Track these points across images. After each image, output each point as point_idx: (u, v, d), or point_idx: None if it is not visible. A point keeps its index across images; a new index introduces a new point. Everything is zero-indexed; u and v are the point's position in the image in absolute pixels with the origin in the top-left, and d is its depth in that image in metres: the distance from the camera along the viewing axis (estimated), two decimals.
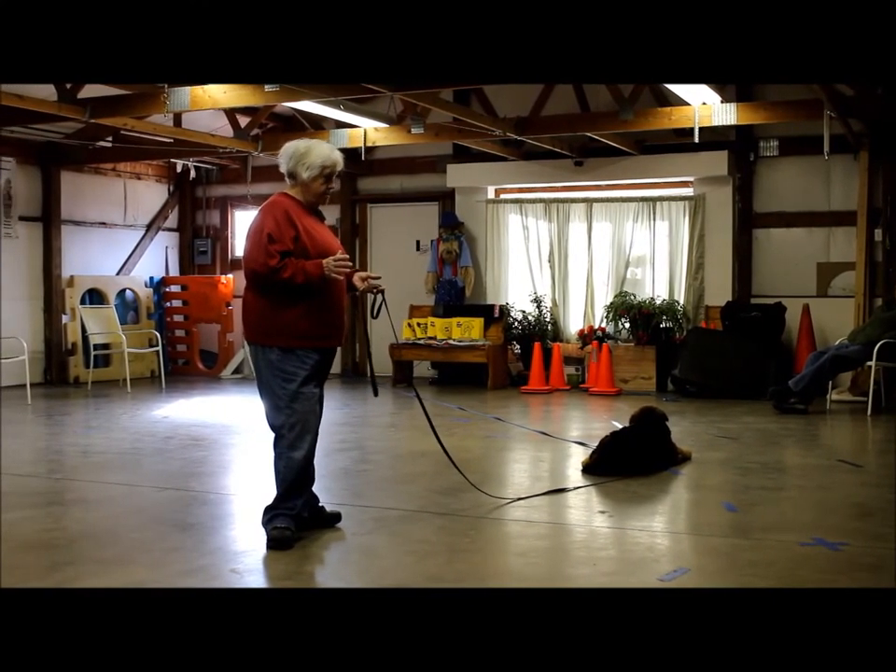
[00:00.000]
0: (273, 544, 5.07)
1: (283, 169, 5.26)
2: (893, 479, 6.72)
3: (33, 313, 13.63)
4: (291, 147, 5.25)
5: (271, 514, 5.20)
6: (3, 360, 11.80)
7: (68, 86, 10.11)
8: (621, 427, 7.75)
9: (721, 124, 10.70)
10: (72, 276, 13.97)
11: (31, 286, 13.60)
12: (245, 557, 4.97)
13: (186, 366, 15.43)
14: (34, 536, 5.39)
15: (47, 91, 10.17)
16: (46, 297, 13.73)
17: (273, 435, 5.29)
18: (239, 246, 16.16)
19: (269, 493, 5.40)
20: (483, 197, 14.21)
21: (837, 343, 10.78)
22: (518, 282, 14.10)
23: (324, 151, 5.25)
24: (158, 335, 14.29)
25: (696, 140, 10.75)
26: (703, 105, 10.54)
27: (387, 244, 14.99)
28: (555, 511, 6.02)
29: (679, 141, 12.36)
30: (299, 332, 5.14)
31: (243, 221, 16.16)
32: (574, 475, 7.06)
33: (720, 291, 12.89)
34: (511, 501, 6.15)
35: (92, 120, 10.57)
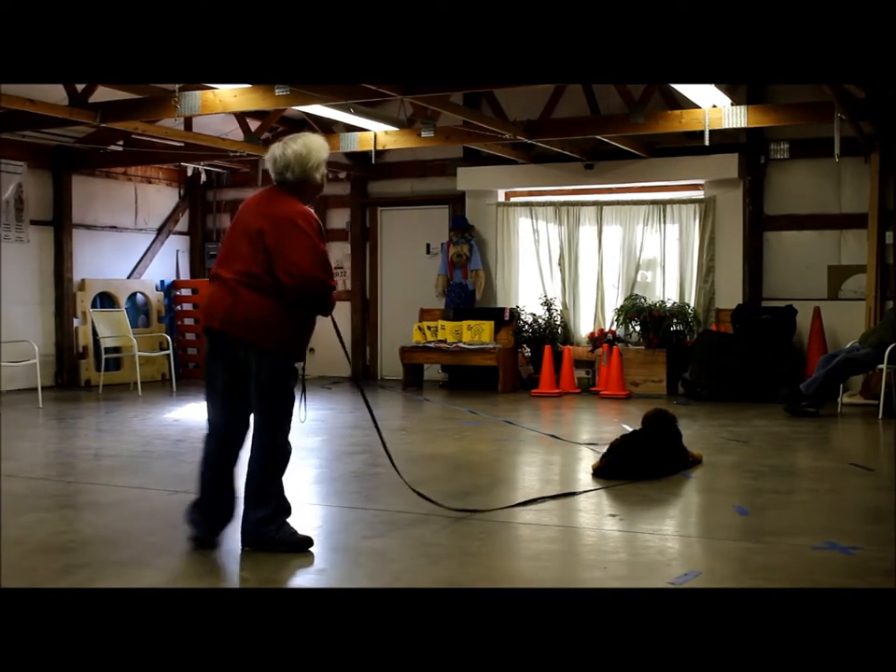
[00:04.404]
0: (299, 546, 5.12)
1: (290, 177, 5.06)
2: None
3: (44, 316, 13.66)
4: (288, 155, 5.06)
5: (279, 522, 5.17)
6: (14, 364, 11.83)
7: (79, 90, 10.14)
8: (631, 429, 7.74)
9: (731, 127, 10.68)
10: (83, 280, 14.01)
11: (42, 289, 13.64)
12: (255, 561, 4.97)
13: (196, 369, 15.44)
14: (47, 539, 5.41)
15: (58, 96, 10.19)
16: (57, 300, 13.76)
17: (261, 445, 5.17)
18: None
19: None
20: (493, 200, 14.22)
21: (848, 345, 10.76)
22: (528, 285, 14.11)
23: (320, 144, 5.16)
24: (168, 338, 14.31)
25: (707, 143, 10.73)
26: (713, 107, 10.52)
27: (398, 247, 15.00)
28: (566, 515, 6.01)
29: (690, 144, 12.35)
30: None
31: None
32: (584, 478, 7.06)
33: (730, 294, 12.88)
34: (469, 512, 6.15)
35: (104, 125, 10.58)
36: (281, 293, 4.90)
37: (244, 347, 4.97)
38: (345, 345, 6.02)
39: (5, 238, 13.00)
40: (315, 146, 5.13)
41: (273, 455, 5.16)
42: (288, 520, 5.20)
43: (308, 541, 5.16)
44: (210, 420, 5.21)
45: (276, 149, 5.13)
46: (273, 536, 5.13)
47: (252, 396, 5.09)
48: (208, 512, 5.16)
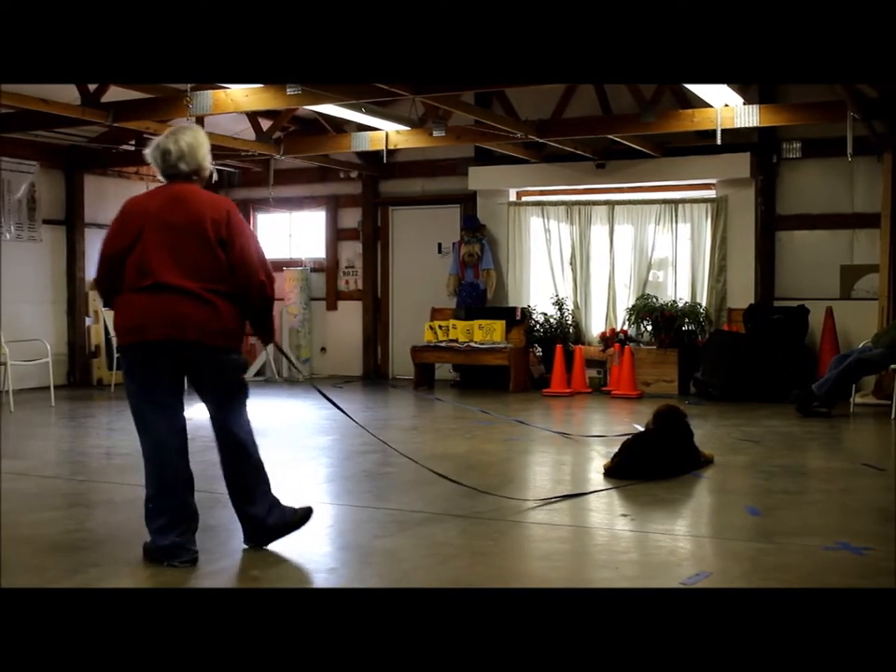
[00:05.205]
0: (302, 520, 5.22)
1: (184, 168, 5.03)
2: None
3: (56, 315, 13.71)
4: (182, 147, 5.02)
5: (276, 511, 5.18)
6: (27, 363, 11.86)
7: (92, 90, 10.17)
8: (642, 429, 7.73)
9: (743, 126, 10.66)
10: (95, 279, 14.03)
11: (54, 288, 13.68)
12: (265, 559, 4.97)
13: None
14: (58, 537, 5.42)
15: (71, 96, 10.22)
16: (69, 299, 13.81)
17: (244, 440, 5.21)
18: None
19: (292, 496, 5.40)
20: (504, 199, 14.22)
21: (861, 346, 10.71)
22: (540, 284, 14.11)
23: (205, 135, 5.19)
24: None
25: (718, 142, 10.71)
26: (725, 106, 10.50)
27: (409, 246, 15.01)
28: (577, 515, 6.00)
29: (702, 143, 12.33)
30: None
31: (265, 224, 16.23)
32: (596, 478, 7.05)
33: (742, 294, 12.85)
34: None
35: (116, 124, 10.62)
36: (234, 293, 4.92)
37: (216, 352, 4.93)
38: (283, 350, 6.11)
39: (17, 237, 13.07)
40: (202, 137, 5.15)
41: (250, 449, 5.19)
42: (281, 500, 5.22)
43: (309, 511, 5.23)
44: (156, 437, 4.98)
45: (167, 143, 5.04)
46: (277, 524, 5.14)
47: (217, 398, 5.11)
48: (190, 530, 4.98)
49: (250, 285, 4.91)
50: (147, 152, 5.12)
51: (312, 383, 6.20)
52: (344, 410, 5.99)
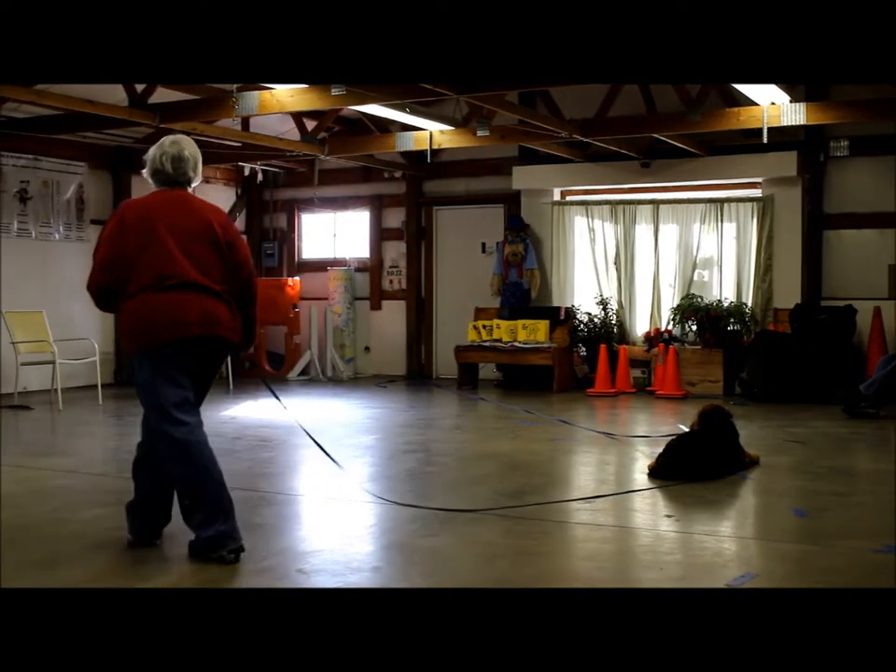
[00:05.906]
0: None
1: (193, 175, 5.20)
2: None
3: (103, 315, 13.72)
4: (193, 154, 5.16)
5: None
6: (75, 362, 12.00)
7: (139, 91, 10.27)
8: (687, 429, 7.69)
9: (790, 124, 10.56)
10: None
11: None
12: (311, 558, 5.00)
13: (253, 368, 15.55)
14: (106, 534, 5.47)
15: (118, 97, 10.33)
16: None
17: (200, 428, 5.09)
18: (306, 249, 16.31)
19: (337, 494, 5.43)
20: (548, 199, 14.19)
21: None
22: (584, 284, 14.06)
23: (195, 144, 5.26)
24: None
25: (765, 140, 10.61)
26: (771, 105, 10.40)
27: (453, 246, 15.02)
28: (621, 515, 5.99)
29: (748, 142, 12.23)
30: None
31: (309, 224, 16.31)
32: (640, 478, 7.02)
33: (788, 294, 12.74)
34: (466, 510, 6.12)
35: (162, 125, 10.72)
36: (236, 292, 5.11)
37: (231, 349, 5.19)
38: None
39: (66, 237, 13.25)
40: (194, 146, 5.26)
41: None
42: None
43: None
44: (185, 434, 4.89)
45: (179, 150, 5.11)
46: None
47: (206, 390, 5.20)
48: (231, 518, 4.95)
49: (251, 282, 5.17)
50: (152, 158, 5.17)
51: (265, 382, 6.23)
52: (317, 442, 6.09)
